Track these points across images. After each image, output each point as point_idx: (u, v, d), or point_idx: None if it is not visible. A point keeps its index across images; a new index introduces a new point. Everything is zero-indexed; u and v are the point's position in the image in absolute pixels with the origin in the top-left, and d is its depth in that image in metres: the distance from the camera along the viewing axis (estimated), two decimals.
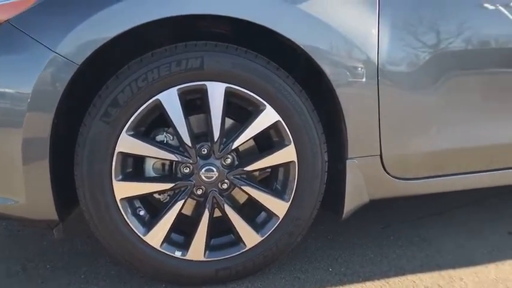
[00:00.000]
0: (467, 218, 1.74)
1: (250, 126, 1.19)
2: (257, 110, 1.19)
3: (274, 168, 1.26)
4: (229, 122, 1.25)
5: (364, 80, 1.23)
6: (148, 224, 1.21)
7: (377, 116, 1.26)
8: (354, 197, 1.30)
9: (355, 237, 1.56)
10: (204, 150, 1.19)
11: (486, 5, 1.36)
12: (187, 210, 1.27)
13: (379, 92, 1.24)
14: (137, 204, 1.22)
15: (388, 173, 1.31)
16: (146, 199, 1.26)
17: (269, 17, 1.15)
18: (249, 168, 1.21)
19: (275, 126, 1.20)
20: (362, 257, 1.43)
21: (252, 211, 1.28)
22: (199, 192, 1.20)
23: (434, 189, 1.40)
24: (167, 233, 1.21)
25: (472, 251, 1.47)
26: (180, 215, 1.22)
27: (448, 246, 1.51)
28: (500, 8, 1.37)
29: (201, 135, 1.23)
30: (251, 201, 1.25)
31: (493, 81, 1.40)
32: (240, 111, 1.25)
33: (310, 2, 1.18)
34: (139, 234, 1.19)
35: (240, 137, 1.19)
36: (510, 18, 1.38)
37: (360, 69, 1.23)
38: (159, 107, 1.15)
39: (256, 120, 1.19)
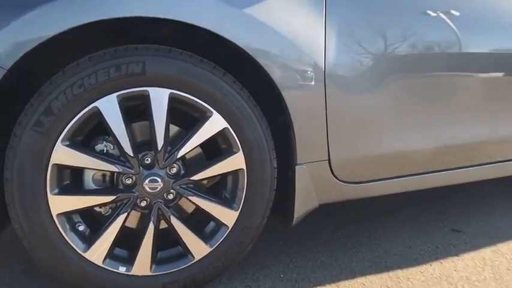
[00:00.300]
0: (414, 217, 1.80)
1: (196, 134, 1.14)
2: (203, 117, 1.15)
3: (223, 176, 1.22)
4: (174, 129, 1.20)
5: (311, 84, 1.22)
6: (89, 240, 1.13)
7: (325, 121, 1.25)
8: (303, 203, 1.29)
9: (307, 241, 1.56)
10: (147, 160, 1.13)
11: (429, 11, 1.40)
12: (132, 223, 1.21)
13: (326, 96, 1.24)
14: (76, 219, 1.14)
15: (336, 178, 1.32)
16: (87, 212, 1.18)
17: (214, 21, 1.11)
18: (195, 177, 1.16)
19: (222, 133, 1.16)
20: (313, 261, 1.43)
21: (200, 221, 1.23)
22: (144, 204, 1.14)
23: (383, 192, 1.43)
24: (110, 248, 1.14)
25: (418, 250, 1.51)
26: (123, 228, 1.15)
27: (395, 245, 1.54)
28: (442, 15, 1.42)
29: (145, 143, 1.17)
30: (199, 210, 1.21)
31: (438, 85, 1.44)
32: (185, 117, 1.20)
33: (256, 6, 1.16)
34: (79, 251, 1.11)
35: (186, 145, 1.14)
36: (450, 25, 1.43)
37: (307, 73, 1.22)
38: (97, 114, 1.08)
39: (203, 127, 1.14)
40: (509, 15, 1.57)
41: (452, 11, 1.41)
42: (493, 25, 1.54)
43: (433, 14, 1.39)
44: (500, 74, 1.59)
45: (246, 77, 1.20)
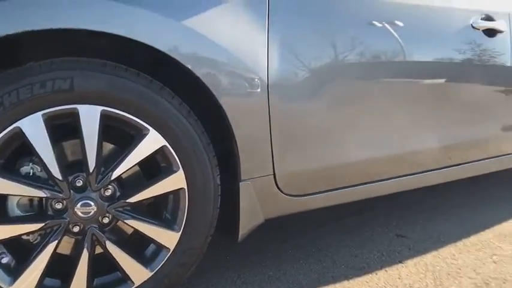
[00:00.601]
0: (361, 223, 1.83)
1: (132, 153, 1.07)
2: (140, 135, 1.08)
3: (163, 196, 1.16)
4: (109, 147, 1.13)
5: (254, 98, 1.19)
6: (15, 272, 1.03)
7: (269, 135, 1.23)
8: (248, 219, 1.25)
9: (255, 255, 1.53)
10: (78, 182, 1.05)
11: (375, 22, 1.41)
12: (64, 249, 1.12)
13: (270, 110, 1.21)
14: None
15: (282, 192, 1.29)
16: (12, 241, 1.07)
17: (150, 34, 1.05)
18: (132, 199, 1.09)
19: (161, 151, 1.10)
20: (261, 276, 1.40)
21: (139, 243, 1.17)
22: (76, 229, 1.06)
23: (329, 203, 1.43)
24: (40, 278, 1.04)
25: (364, 258, 1.52)
26: (55, 255, 1.07)
27: (342, 255, 1.55)
28: (386, 25, 1.43)
29: (77, 163, 1.08)
30: (138, 232, 1.14)
31: (382, 95, 1.45)
32: (121, 134, 1.12)
33: (196, 18, 1.11)
34: (3, 285, 1.02)
35: (121, 165, 1.06)
36: (394, 35, 1.45)
37: (249, 87, 1.18)
38: (20, 135, 0.98)
39: (139, 146, 1.07)
40: (447, 27, 1.62)
41: (397, 22, 1.44)
42: (433, 36, 1.58)
43: (379, 25, 1.40)
44: (442, 81, 1.63)
45: (187, 91, 1.16)
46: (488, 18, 1.73)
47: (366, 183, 1.47)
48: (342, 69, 1.36)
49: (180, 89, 1.14)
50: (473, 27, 1.66)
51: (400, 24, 1.46)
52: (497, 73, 1.77)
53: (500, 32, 1.74)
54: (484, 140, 1.80)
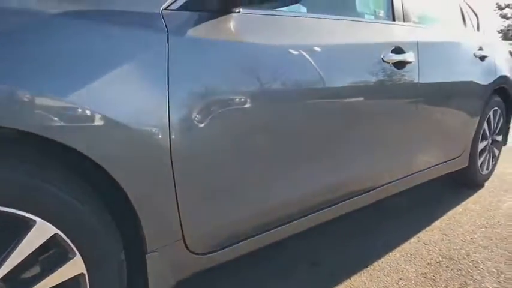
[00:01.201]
0: (276, 254, 1.83)
1: (17, 249, 0.95)
2: (26, 226, 0.96)
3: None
4: None
5: (155, 166, 1.10)
6: None
7: (175, 202, 1.16)
8: (159, 286, 1.21)
9: None
10: None
11: (291, 50, 1.35)
12: None
13: (174, 176, 1.14)
14: None
15: (193, 253, 1.25)
16: None
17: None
18: None
19: (53, 239, 1.00)
20: None
21: None
22: None
23: (243, 252, 1.41)
24: None
25: None
26: None
27: None
28: (304, 53, 1.38)
29: None
30: None
31: (287, 139, 1.41)
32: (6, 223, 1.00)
33: (74, 84, 0.97)
34: None
35: (5, 264, 0.95)
36: (311, 62, 1.40)
37: (149, 154, 1.09)
38: None
39: (26, 239, 0.95)
40: (359, 62, 1.61)
41: (308, 61, 1.39)
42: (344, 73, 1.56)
43: (295, 53, 1.35)
44: (350, 118, 1.61)
45: (79, 167, 1.05)
46: (398, 50, 1.75)
47: (279, 226, 1.47)
48: (248, 122, 1.28)
49: (72, 166, 1.04)
50: (383, 60, 1.67)
51: (309, 65, 1.41)
52: (405, 100, 1.83)
53: (409, 62, 1.78)
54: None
